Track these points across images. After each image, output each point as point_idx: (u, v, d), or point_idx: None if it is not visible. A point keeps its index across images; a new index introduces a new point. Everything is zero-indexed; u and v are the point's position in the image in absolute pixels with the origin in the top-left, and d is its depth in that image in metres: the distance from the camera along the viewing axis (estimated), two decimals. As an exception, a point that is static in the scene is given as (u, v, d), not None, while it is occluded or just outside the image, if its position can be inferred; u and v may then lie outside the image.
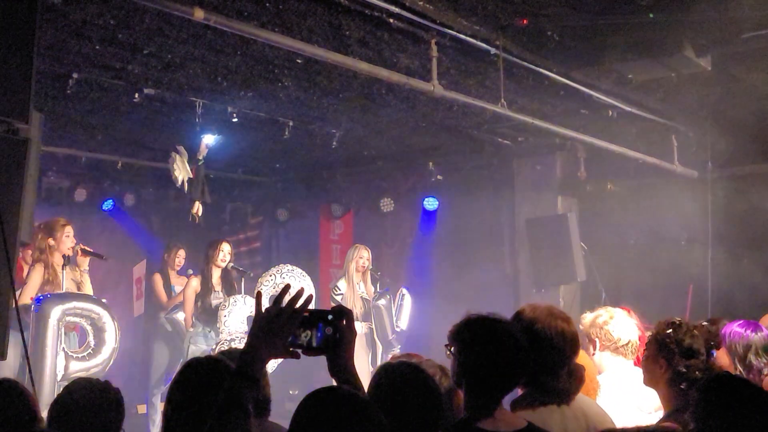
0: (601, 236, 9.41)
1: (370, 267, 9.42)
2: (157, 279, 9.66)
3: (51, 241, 7.30)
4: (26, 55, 4.12)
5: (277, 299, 2.23)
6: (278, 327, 2.19)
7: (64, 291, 7.18)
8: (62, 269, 7.23)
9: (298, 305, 2.22)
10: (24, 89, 4.12)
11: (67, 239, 7.41)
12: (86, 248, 7.55)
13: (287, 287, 2.25)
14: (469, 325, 2.90)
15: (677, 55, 5.98)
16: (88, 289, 7.47)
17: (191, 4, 4.98)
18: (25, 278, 7.42)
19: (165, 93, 7.43)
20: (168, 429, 2.76)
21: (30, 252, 7.79)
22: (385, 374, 2.84)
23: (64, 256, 7.29)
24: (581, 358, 3.52)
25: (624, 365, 4.15)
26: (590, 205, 9.68)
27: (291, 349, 2.23)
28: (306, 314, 2.22)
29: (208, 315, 8.30)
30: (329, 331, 2.23)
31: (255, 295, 2.30)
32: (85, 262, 7.55)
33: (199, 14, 4.89)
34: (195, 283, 8.53)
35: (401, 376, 2.80)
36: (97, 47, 6.13)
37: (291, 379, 9.86)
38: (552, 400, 3.12)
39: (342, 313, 2.29)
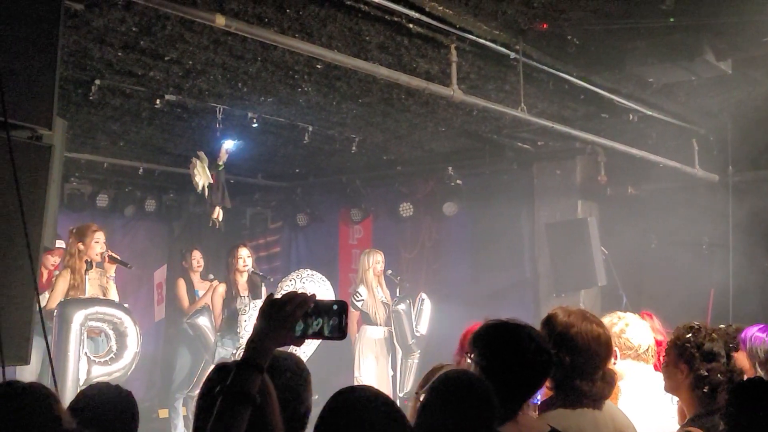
0: (621, 240, 9.36)
1: (389, 271, 9.44)
2: (180, 284, 9.71)
3: (80, 246, 7.36)
4: (50, 62, 4.16)
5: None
6: (286, 315, 2.22)
7: (87, 296, 7.23)
8: (85, 274, 7.28)
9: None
10: (48, 96, 4.16)
11: (96, 245, 7.45)
12: (114, 255, 7.60)
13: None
14: (489, 331, 2.90)
15: (698, 59, 5.95)
16: (113, 295, 7.50)
17: (212, 10, 5.02)
18: (53, 283, 7.47)
19: (186, 99, 7.48)
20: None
21: (50, 257, 7.86)
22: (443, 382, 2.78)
23: (87, 261, 7.34)
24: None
25: (645, 370, 4.13)
26: (610, 209, 9.64)
27: (301, 337, 2.26)
28: (312, 305, 2.27)
29: (234, 320, 8.35)
30: (334, 321, 2.28)
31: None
32: (111, 268, 7.59)
33: (220, 21, 4.92)
34: (222, 289, 8.58)
35: (457, 381, 2.76)
36: (120, 54, 6.18)
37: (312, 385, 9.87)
38: (584, 404, 3.12)
39: (345, 304, 2.32)
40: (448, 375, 2.78)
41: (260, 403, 2.19)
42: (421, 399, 2.72)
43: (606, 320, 4.22)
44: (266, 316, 2.23)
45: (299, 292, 2.28)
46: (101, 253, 7.47)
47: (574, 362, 3.08)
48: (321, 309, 2.28)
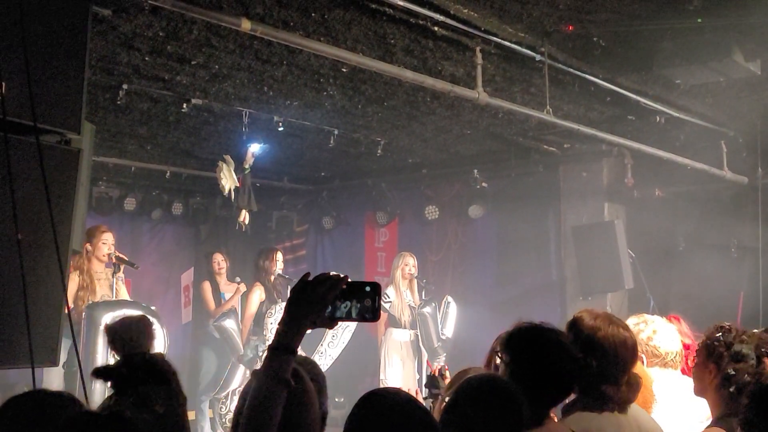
0: (648, 243, 9.29)
1: (416, 275, 9.42)
2: (206, 287, 9.77)
3: (88, 246, 7.41)
4: (78, 68, 4.21)
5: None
6: (318, 296, 2.20)
7: (99, 298, 7.29)
8: (113, 277, 7.36)
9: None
10: (76, 101, 4.20)
11: (103, 245, 7.52)
12: (121, 256, 7.64)
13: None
14: (521, 334, 2.89)
15: (726, 60, 5.89)
16: (123, 295, 7.56)
17: (238, 15, 5.05)
18: None
19: (212, 103, 7.53)
20: None
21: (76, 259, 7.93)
22: (468, 387, 2.74)
23: (115, 264, 7.41)
24: (637, 367, 3.49)
25: (672, 376, 4.09)
26: (637, 211, 9.57)
27: (333, 318, 2.24)
28: (344, 287, 2.24)
29: (260, 323, 8.39)
30: (368, 302, 2.25)
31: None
32: (120, 269, 7.64)
33: (246, 25, 4.95)
34: (259, 292, 8.59)
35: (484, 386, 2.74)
36: (147, 59, 6.23)
37: (337, 387, 9.88)
38: (609, 408, 3.10)
39: (378, 285, 2.29)
40: (476, 377, 2.77)
41: (294, 388, 2.18)
42: (446, 400, 2.71)
43: (632, 321, 4.19)
44: (298, 298, 2.21)
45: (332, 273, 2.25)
46: (108, 254, 7.53)
47: (601, 366, 3.06)
48: (354, 290, 2.25)
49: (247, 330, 8.58)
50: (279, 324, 2.21)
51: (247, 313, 8.64)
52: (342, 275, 2.24)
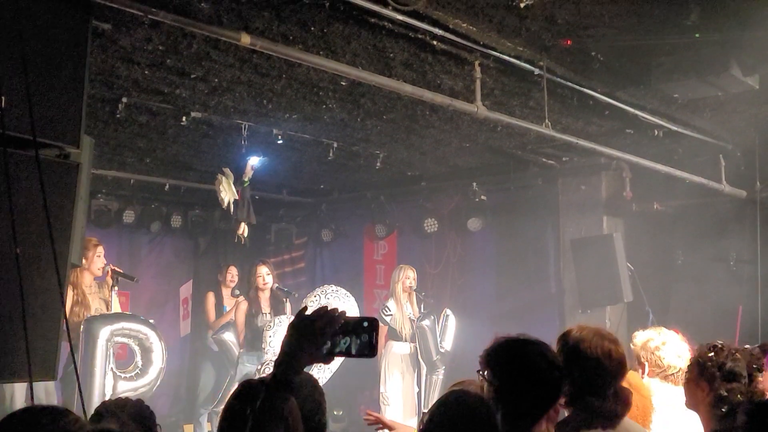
0: (647, 256, 9.29)
1: (415, 287, 9.42)
2: (210, 297, 9.79)
3: (82, 261, 7.39)
4: (78, 82, 4.22)
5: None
6: (315, 332, 2.18)
7: (93, 312, 7.27)
8: (110, 290, 7.34)
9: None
10: (75, 115, 4.21)
11: (98, 259, 7.50)
12: (117, 269, 7.62)
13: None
14: (499, 349, 2.89)
15: (724, 75, 5.90)
16: (116, 308, 7.53)
17: (238, 29, 5.06)
18: None
19: (212, 116, 7.54)
20: None
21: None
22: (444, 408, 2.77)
23: (113, 278, 7.39)
24: (635, 379, 3.49)
25: (672, 391, 4.09)
26: (636, 225, 9.58)
27: (330, 354, 2.22)
28: (342, 321, 2.23)
29: (256, 337, 8.37)
30: (365, 338, 2.24)
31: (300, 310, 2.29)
32: (116, 282, 7.59)
33: (245, 39, 4.96)
34: (244, 306, 8.63)
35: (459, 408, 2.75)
36: (146, 72, 6.24)
37: (336, 400, 9.87)
38: (597, 424, 3.09)
39: (375, 321, 2.28)
40: (447, 397, 2.79)
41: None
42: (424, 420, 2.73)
43: (644, 334, 4.20)
44: (296, 333, 2.19)
45: (329, 308, 2.24)
46: (103, 268, 7.51)
47: (583, 376, 3.08)
48: (351, 326, 2.24)
49: (240, 343, 8.59)
50: (277, 358, 2.19)
51: (238, 326, 8.65)
52: (339, 310, 2.23)
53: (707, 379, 3.43)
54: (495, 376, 2.82)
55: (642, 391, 3.53)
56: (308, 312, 2.24)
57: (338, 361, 8.52)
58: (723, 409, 3.33)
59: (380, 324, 8.86)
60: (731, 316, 8.32)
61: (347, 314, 2.26)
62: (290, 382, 2.15)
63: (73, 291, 7.32)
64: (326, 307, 2.24)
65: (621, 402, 3.15)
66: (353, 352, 2.24)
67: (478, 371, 2.89)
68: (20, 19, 3.71)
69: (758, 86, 6.22)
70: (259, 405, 2.13)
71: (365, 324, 2.25)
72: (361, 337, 2.24)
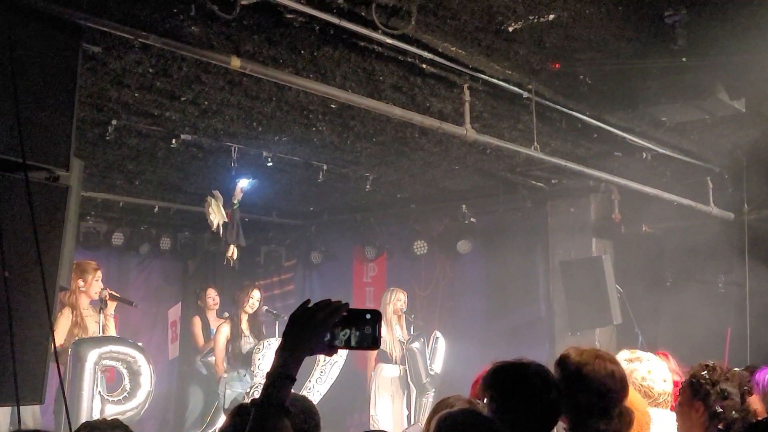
0: (636, 279, 9.31)
1: (405, 310, 9.41)
2: (196, 322, 9.73)
3: (81, 283, 7.36)
4: (68, 105, 4.21)
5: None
6: (318, 322, 2.15)
7: (91, 334, 7.23)
8: (99, 313, 7.30)
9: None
10: (65, 137, 4.20)
11: (96, 283, 7.47)
12: (114, 293, 7.58)
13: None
14: (498, 373, 2.90)
15: (711, 98, 5.96)
16: (111, 332, 7.50)
17: (228, 53, 5.08)
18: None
19: (202, 138, 7.55)
20: None
21: (63, 295, 7.87)
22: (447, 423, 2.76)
23: (100, 300, 7.35)
24: (630, 393, 3.48)
25: (662, 415, 4.08)
26: (625, 247, 9.61)
27: (332, 346, 2.19)
28: (344, 314, 2.20)
29: (239, 359, 8.32)
30: (368, 330, 2.20)
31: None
32: (112, 306, 7.57)
33: (235, 63, 4.97)
34: (225, 329, 8.55)
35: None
36: (136, 95, 6.25)
37: (324, 423, 9.80)
38: None
39: (379, 313, 2.25)
40: (456, 411, 2.80)
41: None
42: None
43: (624, 356, 4.18)
44: (298, 324, 2.16)
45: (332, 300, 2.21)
46: (100, 291, 7.48)
47: (590, 401, 3.07)
48: (354, 318, 2.21)
49: (219, 366, 8.51)
50: (277, 351, 2.16)
51: (216, 351, 8.57)
52: (343, 302, 2.21)
53: (701, 398, 3.42)
54: (494, 399, 2.83)
55: (638, 405, 3.52)
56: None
57: (328, 384, 8.51)
58: (719, 426, 3.32)
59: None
60: (720, 338, 8.33)
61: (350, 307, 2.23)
62: (290, 373, 2.12)
63: (72, 313, 7.29)
64: (329, 299, 2.21)
65: (625, 421, 3.16)
66: (353, 344, 2.21)
67: (477, 398, 2.90)
68: (10, 41, 3.72)
69: (745, 109, 6.29)
70: (260, 398, 2.10)
71: (368, 316, 2.22)
72: (363, 329, 2.20)
